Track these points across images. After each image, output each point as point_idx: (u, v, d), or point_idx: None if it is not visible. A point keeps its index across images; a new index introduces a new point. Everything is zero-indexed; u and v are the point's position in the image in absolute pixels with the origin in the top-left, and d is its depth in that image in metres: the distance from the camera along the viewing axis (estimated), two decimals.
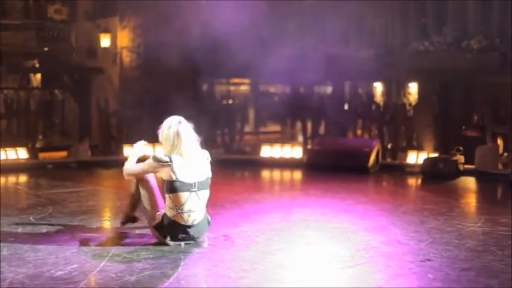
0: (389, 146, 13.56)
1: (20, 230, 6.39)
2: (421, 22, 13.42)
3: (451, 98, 13.12)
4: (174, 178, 5.66)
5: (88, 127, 15.45)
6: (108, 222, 7.04)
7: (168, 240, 5.76)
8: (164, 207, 5.81)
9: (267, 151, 12.48)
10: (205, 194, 5.84)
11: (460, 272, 4.98)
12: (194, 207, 5.74)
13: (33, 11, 16.50)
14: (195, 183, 5.74)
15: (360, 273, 5.00)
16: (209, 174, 5.90)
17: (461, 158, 10.91)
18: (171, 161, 5.67)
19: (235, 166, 11.71)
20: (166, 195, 5.74)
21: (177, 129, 5.78)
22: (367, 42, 13.21)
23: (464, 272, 4.98)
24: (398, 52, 13.27)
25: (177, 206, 5.69)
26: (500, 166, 11.34)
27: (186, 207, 5.71)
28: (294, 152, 12.35)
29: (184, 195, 5.68)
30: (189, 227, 5.76)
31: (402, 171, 11.45)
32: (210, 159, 5.97)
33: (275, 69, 12.85)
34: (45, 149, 14.08)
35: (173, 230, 5.74)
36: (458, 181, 10.43)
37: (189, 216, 5.73)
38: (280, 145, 12.56)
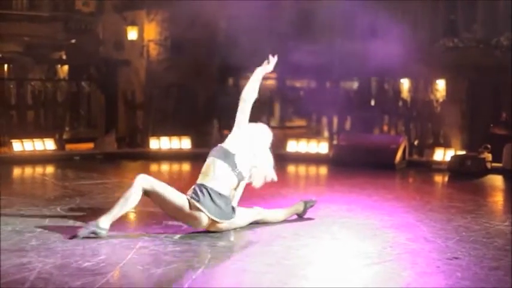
0: (416, 142, 13.46)
1: (47, 220, 6.43)
2: (450, 19, 13.30)
3: (479, 95, 12.99)
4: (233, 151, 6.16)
5: (114, 119, 15.50)
6: (134, 215, 7.06)
7: (197, 202, 5.87)
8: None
9: (293, 146, 12.47)
10: (235, 180, 6.14)
11: (488, 271, 4.93)
12: (222, 180, 6.03)
13: (61, 3, 16.58)
14: (237, 168, 6.12)
15: (386, 270, 4.98)
16: (244, 178, 6.23)
17: (489, 156, 10.83)
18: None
19: None
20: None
21: (257, 136, 6.40)
22: (395, 38, 13.09)
23: (492, 271, 4.94)
24: (427, 48, 13.16)
25: (210, 171, 6.07)
26: None
27: (216, 175, 6.03)
28: (320, 147, 12.32)
29: (221, 165, 6.08)
30: (218, 192, 5.95)
31: (429, 168, 11.39)
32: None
33: (301, 64, 12.81)
34: (72, 140, 14.18)
35: (203, 192, 5.91)
36: (486, 179, 10.35)
37: (219, 183, 6.00)
38: (306, 140, 12.54)
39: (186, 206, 5.85)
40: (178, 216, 5.94)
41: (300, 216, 6.79)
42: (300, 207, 6.81)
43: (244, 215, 6.28)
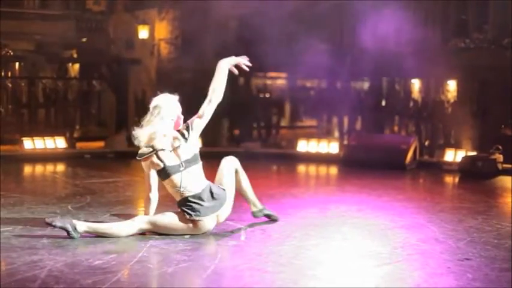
0: (426, 143, 13.43)
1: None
2: (462, 19, 13.27)
3: (490, 96, 12.95)
4: (162, 165, 5.80)
5: (125, 118, 15.53)
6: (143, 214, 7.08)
7: (194, 216, 5.79)
8: None
9: (304, 146, 12.46)
10: (196, 168, 5.94)
11: (499, 273, 4.91)
12: (190, 183, 5.85)
13: (72, 2, 16.64)
14: (182, 163, 5.85)
15: (397, 271, 4.96)
16: (196, 150, 6.00)
17: (500, 157, 10.79)
18: (154, 150, 5.79)
19: (271, 160, 11.72)
20: (164, 183, 5.89)
21: (157, 116, 5.84)
22: (406, 39, 13.08)
23: (503, 273, 4.91)
24: (438, 49, 13.13)
25: (177, 187, 5.83)
26: None
27: (183, 185, 5.82)
28: (331, 147, 12.31)
29: (176, 177, 5.81)
30: (199, 194, 5.84)
31: (440, 168, 11.36)
32: (192, 128, 5.97)
33: (312, 63, 12.80)
34: (83, 138, 14.22)
35: (190, 204, 5.80)
36: (497, 180, 10.31)
37: (192, 188, 5.84)
38: (317, 140, 12.53)
39: (190, 226, 5.83)
40: (187, 233, 5.92)
41: (253, 215, 6.51)
42: (259, 207, 6.56)
43: (230, 181, 6.20)
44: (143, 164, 5.86)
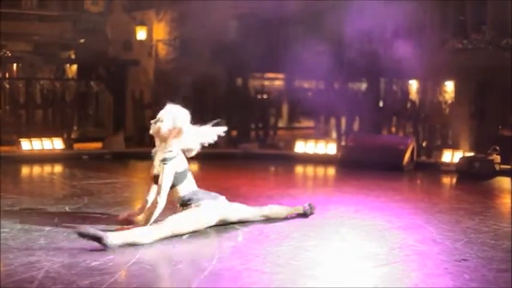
0: (424, 144, 13.42)
1: (56, 219, 6.44)
2: (460, 20, 13.27)
3: (488, 97, 12.95)
4: (183, 168, 6.00)
5: (123, 119, 15.50)
6: (143, 214, 7.06)
7: (200, 200, 5.97)
8: None
9: (301, 147, 12.46)
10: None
11: (496, 273, 4.92)
12: (191, 183, 6.09)
13: (70, 2, 16.63)
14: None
15: (394, 272, 4.97)
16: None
17: (497, 158, 10.80)
18: (183, 152, 6.07)
19: (269, 161, 11.71)
20: (177, 187, 5.96)
21: (182, 123, 6.08)
22: (404, 39, 13.09)
23: (501, 273, 4.93)
24: (436, 50, 13.13)
25: (182, 188, 5.99)
26: None
27: (186, 185, 6.02)
28: (328, 148, 12.32)
29: (187, 179, 6.05)
30: (196, 190, 6.08)
31: (437, 169, 11.37)
32: None
33: (310, 64, 12.81)
34: (80, 139, 14.19)
35: (190, 195, 5.98)
36: (494, 181, 10.33)
37: (191, 187, 6.06)
38: (315, 141, 12.53)
39: (200, 216, 5.91)
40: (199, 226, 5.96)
41: (305, 215, 6.87)
42: (301, 208, 6.94)
43: (245, 207, 6.42)
44: (167, 167, 5.86)
